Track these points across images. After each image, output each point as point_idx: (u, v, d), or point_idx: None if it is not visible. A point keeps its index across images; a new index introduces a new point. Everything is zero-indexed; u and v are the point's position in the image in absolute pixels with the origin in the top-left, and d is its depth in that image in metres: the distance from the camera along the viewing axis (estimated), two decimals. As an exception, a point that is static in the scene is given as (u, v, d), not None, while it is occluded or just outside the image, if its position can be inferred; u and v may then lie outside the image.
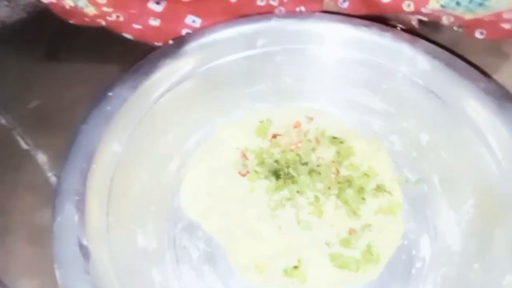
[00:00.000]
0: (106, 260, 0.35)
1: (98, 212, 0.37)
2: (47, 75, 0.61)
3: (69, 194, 0.35)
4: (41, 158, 0.53)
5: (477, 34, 0.52)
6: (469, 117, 0.45)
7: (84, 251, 0.33)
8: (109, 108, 0.41)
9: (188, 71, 0.47)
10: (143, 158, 0.45)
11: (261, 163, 0.50)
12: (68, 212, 0.34)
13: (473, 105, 0.45)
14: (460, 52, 0.48)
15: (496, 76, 0.47)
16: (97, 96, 0.42)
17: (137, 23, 0.52)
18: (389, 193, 0.49)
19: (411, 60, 0.48)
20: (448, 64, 0.47)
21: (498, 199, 0.41)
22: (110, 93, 0.42)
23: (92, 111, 0.40)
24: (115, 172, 0.40)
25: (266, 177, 0.49)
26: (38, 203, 0.49)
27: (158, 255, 0.44)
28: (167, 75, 0.46)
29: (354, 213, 0.46)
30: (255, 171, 0.49)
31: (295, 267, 0.43)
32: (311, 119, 0.54)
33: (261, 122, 0.53)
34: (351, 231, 0.45)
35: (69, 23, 0.55)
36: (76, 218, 0.34)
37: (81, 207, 0.35)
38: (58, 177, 0.36)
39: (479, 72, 0.46)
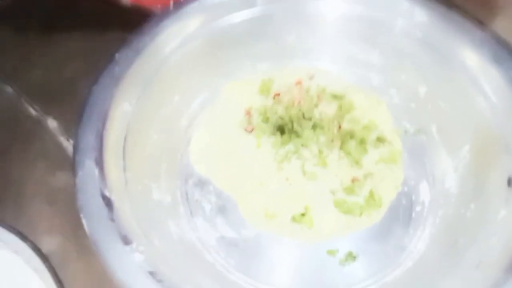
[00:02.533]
0: (128, 210, 0.37)
1: (115, 167, 0.39)
2: (47, 47, 0.62)
3: (87, 151, 0.37)
4: (51, 123, 0.55)
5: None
6: (465, 66, 0.46)
7: (107, 201, 0.35)
8: (117, 70, 0.42)
9: (191, 32, 0.48)
10: (152, 118, 0.46)
11: (266, 120, 0.51)
12: (88, 167, 0.36)
13: (469, 55, 0.46)
14: (456, 4, 0.49)
15: (491, 27, 0.48)
16: (104, 59, 0.43)
17: (134, -13, 0.53)
18: (389, 143, 0.51)
19: (408, 12, 0.49)
20: (444, 16, 0.48)
21: (493, 142, 0.43)
22: (117, 56, 0.43)
23: (101, 73, 0.42)
24: (128, 132, 0.42)
25: (271, 133, 0.51)
26: (53, 167, 0.52)
27: (173, 209, 0.46)
28: (170, 37, 0.47)
29: (357, 163, 0.49)
30: (260, 128, 0.51)
31: (303, 214, 0.46)
32: (312, 76, 0.55)
33: (263, 81, 0.54)
34: (354, 180, 0.48)
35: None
36: (96, 172, 0.36)
37: (100, 162, 0.37)
38: (76, 136, 0.38)
39: (475, 23, 0.47)
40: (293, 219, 0.46)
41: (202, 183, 0.49)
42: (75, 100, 0.43)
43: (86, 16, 0.61)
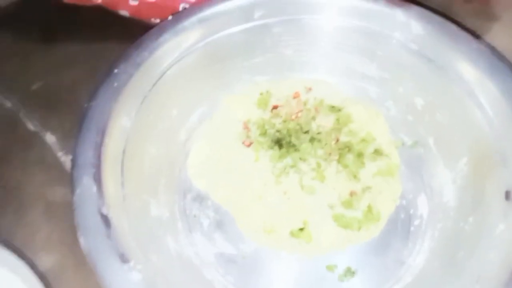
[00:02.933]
0: (125, 227, 0.37)
1: (113, 183, 0.38)
2: (46, 57, 0.62)
3: (85, 167, 0.37)
4: (50, 138, 0.55)
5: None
6: (461, 78, 0.46)
7: (105, 219, 0.35)
8: (116, 84, 0.42)
9: (189, 46, 0.48)
10: (150, 132, 0.46)
11: (264, 133, 0.51)
12: (86, 184, 0.36)
13: (465, 67, 0.46)
14: (451, 16, 0.50)
15: (487, 38, 0.48)
16: (103, 74, 0.43)
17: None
18: (387, 156, 0.51)
19: (405, 25, 0.49)
20: (440, 28, 0.48)
21: (490, 154, 0.43)
22: (116, 70, 0.43)
23: (100, 88, 0.42)
24: (126, 146, 0.42)
25: (269, 147, 0.51)
26: (50, 181, 0.51)
27: (171, 224, 0.46)
28: (168, 51, 0.47)
29: (354, 176, 0.49)
30: (259, 142, 0.51)
31: (301, 229, 0.46)
32: (310, 89, 0.55)
33: (261, 94, 0.55)
34: (352, 193, 0.48)
35: (64, 3, 0.55)
36: (94, 189, 0.36)
37: (98, 179, 0.37)
38: (74, 151, 0.37)
39: (471, 34, 0.47)
40: (292, 233, 0.46)
41: (200, 198, 0.49)
42: (74, 112, 0.43)
43: (86, 25, 0.62)
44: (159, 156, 0.48)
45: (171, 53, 0.47)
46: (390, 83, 0.53)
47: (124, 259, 0.33)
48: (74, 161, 0.37)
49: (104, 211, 0.35)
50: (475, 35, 0.47)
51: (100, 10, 0.56)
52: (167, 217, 0.46)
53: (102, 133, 0.39)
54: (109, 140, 0.40)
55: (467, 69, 0.46)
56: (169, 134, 0.50)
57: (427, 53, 0.49)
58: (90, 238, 0.34)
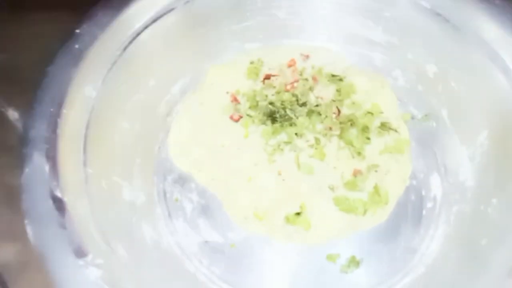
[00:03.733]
0: (87, 214, 0.31)
1: (73, 162, 0.32)
2: (13, 26, 0.55)
3: (37, 142, 0.31)
4: (12, 115, 0.48)
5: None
6: (483, 39, 0.40)
7: (59, 204, 0.29)
8: (77, 46, 0.36)
9: (166, 4, 0.42)
10: (122, 104, 0.40)
11: (255, 106, 0.45)
12: (37, 161, 0.30)
13: (487, 26, 0.40)
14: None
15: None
16: (63, 34, 0.36)
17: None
18: (395, 130, 0.45)
19: (415, -20, 0.43)
20: (457, -19, 0.41)
21: (517, 126, 0.37)
22: (77, 30, 0.36)
23: (58, 51, 0.35)
24: (90, 119, 0.36)
25: (261, 121, 0.44)
26: (12, 163, 0.45)
27: (148, 210, 0.40)
28: (143, 9, 0.40)
29: (359, 153, 0.43)
30: (249, 115, 0.45)
31: (298, 213, 0.40)
32: (307, 56, 0.49)
33: (251, 62, 0.48)
34: (356, 173, 0.42)
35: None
36: (47, 168, 0.30)
37: (52, 156, 0.31)
38: (23, 123, 0.31)
39: (493, -12, 0.41)
40: (287, 219, 0.40)
41: (182, 180, 0.43)
42: (39, 87, 0.37)
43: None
44: (134, 132, 0.41)
45: (145, 12, 0.41)
46: (397, 49, 0.47)
47: (79, 252, 0.27)
48: (24, 135, 0.31)
49: (58, 194, 0.29)
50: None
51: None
52: (143, 201, 0.40)
53: (59, 103, 0.33)
54: (69, 111, 0.34)
55: (488, 28, 0.40)
56: (146, 107, 0.44)
57: (441, 11, 0.43)
58: (40, 227, 0.28)
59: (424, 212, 0.42)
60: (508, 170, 0.37)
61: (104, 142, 0.37)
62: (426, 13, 0.43)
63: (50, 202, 0.29)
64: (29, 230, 0.28)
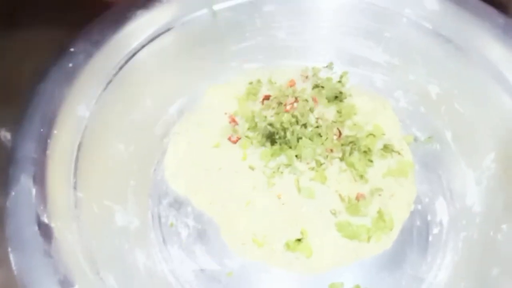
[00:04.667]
0: (75, 241, 0.29)
1: (62, 185, 0.31)
2: (6, 43, 0.54)
3: (24, 163, 0.29)
4: (4, 135, 0.47)
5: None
6: (486, 59, 0.39)
7: (45, 230, 0.27)
8: (71, 65, 0.34)
9: (165, 23, 0.41)
10: (116, 125, 0.39)
11: (253, 127, 0.44)
12: (23, 184, 0.29)
13: (490, 46, 0.39)
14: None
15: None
16: (57, 52, 0.35)
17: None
18: (398, 153, 0.43)
19: (416, 0, 0.42)
20: (459, 1, 0.41)
21: (526, 148, 0.36)
22: (72, 48, 0.35)
23: (51, 69, 0.34)
24: (83, 140, 0.34)
25: (260, 143, 0.43)
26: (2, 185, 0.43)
27: (142, 235, 0.39)
28: (140, 28, 0.39)
29: (361, 176, 0.41)
30: (247, 137, 0.43)
31: (298, 240, 0.38)
32: (307, 77, 0.48)
33: (250, 83, 0.47)
34: (359, 197, 0.40)
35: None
36: (34, 191, 0.28)
37: (40, 179, 0.29)
38: (13, 143, 0.30)
39: (495, 7, 0.40)
40: (287, 246, 0.38)
41: (178, 204, 0.42)
42: (30, 106, 0.35)
43: (51, 9, 0.54)
44: (129, 153, 0.40)
45: (142, 31, 0.40)
46: (399, 70, 0.46)
47: (66, 283, 0.25)
48: (11, 156, 0.29)
49: (45, 219, 0.28)
50: (500, 8, 0.40)
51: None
52: (136, 226, 0.38)
53: (50, 122, 0.32)
54: (60, 132, 0.32)
55: (492, 48, 0.39)
56: (142, 128, 0.42)
57: (443, 32, 0.42)
58: (24, 255, 0.26)
59: (430, 238, 0.40)
60: (518, 194, 0.35)
61: (96, 164, 0.35)
62: (427, 34, 0.43)
63: (36, 228, 0.27)
64: (12, 258, 0.26)
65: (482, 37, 0.40)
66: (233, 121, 0.45)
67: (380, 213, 0.39)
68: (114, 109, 0.38)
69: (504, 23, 0.39)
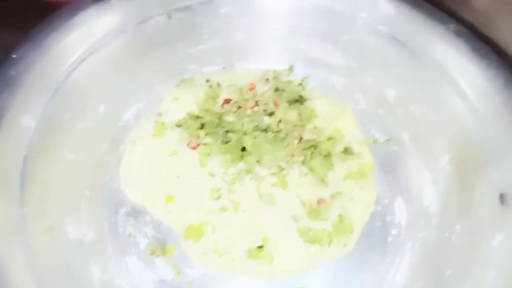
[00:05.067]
0: (21, 260, 0.27)
1: (6, 201, 0.29)
2: None
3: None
4: None
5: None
6: (439, 64, 0.40)
7: (-15, 254, 0.25)
8: (13, 72, 0.32)
9: (115, 27, 0.39)
10: (65, 134, 0.37)
11: (213, 133, 0.43)
12: (-40, 204, 0.26)
13: (443, 50, 0.40)
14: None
15: (466, 17, 0.42)
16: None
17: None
18: (358, 155, 0.44)
19: (372, 4, 0.43)
20: (413, 6, 0.42)
21: (477, 150, 0.37)
22: (13, 55, 0.33)
23: (-10, 77, 0.32)
24: (29, 152, 0.32)
25: (219, 149, 0.42)
26: None
27: (97, 247, 0.37)
28: (90, 31, 0.38)
29: (322, 180, 0.41)
30: (206, 143, 0.42)
31: (260, 247, 0.38)
32: (267, 80, 0.47)
33: (210, 86, 0.46)
34: (320, 201, 0.40)
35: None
36: (-28, 212, 0.26)
37: (-21, 198, 0.27)
38: None
39: (448, 14, 0.41)
40: (250, 253, 0.37)
41: (136, 213, 0.40)
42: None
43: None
44: (80, 163, 0.38)
45: (92, 35, 0.38)
46: (357, 73, 0.47)
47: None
48: None
49: (-15, 242, 0.26)
50: (453, 15, 0.41)
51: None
52: (91, 239, 0.37)
53: (-10, 135, 0.29)
54: (2, 145, 0.30)
55: (445, 53, 0.40)
56: (95, 136, 0.40)
57: (398, 36, 0.42)
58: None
59: (389, 239, 0.41)
60: (470, 195, 0.36)
61: (44, 176, 0.34)
62: (383, 38, 0.43)
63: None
64: None
65: (435, 41, 0.40)
66: (191, 126, 0.44)
67: (341, 216, 0.40)
68: (63, 117, 0.36)
69: (455, 28, 0.40)
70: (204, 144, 0.42)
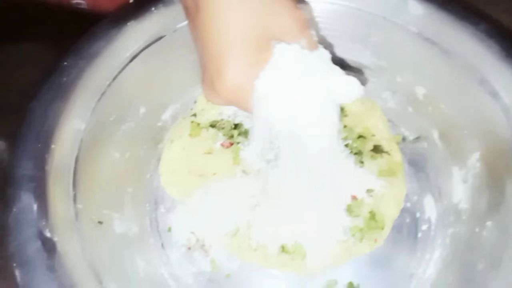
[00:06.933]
0: (77, 252, 0.30)
1: (62, 198, 0.31)
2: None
3: (23, 181, 0.30)
4: (0, 145, 0.47)
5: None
6: (470, 63, 0.40)
7: (48, 245, 0.28)
8: (64, 79, 0.35)
9: (155, 33, 0.41)
10: (111, 134, 0.39)
11: (245, 132, 0.45)
12: (24, 201, 0.29)
13: (474, 50, 0.40)
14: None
15: (497, 16, 0.42)
16: (49, 68, 0.36)
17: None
18: (388, 153, 0.45)
19: (401, 5, 0.43)
20: (442, 6, 0.42)
21: (508, 147, 0.37)
22: (65, 63, 0.36)
23: (43, 85, 0.34)
24: (80, 153, 0.35)
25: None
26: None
27: (141, 241, 0.40)
28: (130, 40, 0.40)
29: (353, 178, 0.43)
30: (240, 142, 0.44)
31: (294, 242, 0.39)
32: (298, 80, 0.49)
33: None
34: (353, 198, 0.42)
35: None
36: (35, 207, 0.29)
37: (40, 194, 0.30)
38: (10, 162, 0.30)
39: (478, 12, 0.41)
40: (283, 249, 0.39)
41: (175, 208, 0.42)
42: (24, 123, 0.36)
43: (40, 22, 0.54)
44: (125, 161, 0.41)
45: (134, 42, 0.40)
46: (387, 72, 0.47)
47: (71, 296, 0.26)
48: (9, 176, 0.30)
49: (48, 234, 0.28)
50: (484, 14, 0.41)
51: (54, 5, 0.49)
52: (135, 233, 0.39)
53: (46, 139, 0.32)
54: (57, 146, 0.33)
55: (475, 52, 0.40)
56: (137, 135, 0.43)
57: (428, 35, 0.43)
58: (29, 271, 0.27)
59: (419, 234, 0.42)
60: (501, 192, 0.37)
61: (93, 174, 0.36)
62: (413, 37, 0.43)
63: (39, 243, 0.28)
64: (17, 273, 0.27)
65: (465, 41, 0.41)
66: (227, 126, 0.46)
67: (372, 213, 0.41)
68: (109, 119, 0.39)
69: (486, 28, 0.40)
70: (238, 143, 0.44)
